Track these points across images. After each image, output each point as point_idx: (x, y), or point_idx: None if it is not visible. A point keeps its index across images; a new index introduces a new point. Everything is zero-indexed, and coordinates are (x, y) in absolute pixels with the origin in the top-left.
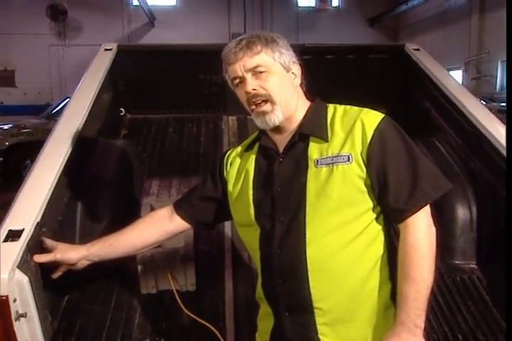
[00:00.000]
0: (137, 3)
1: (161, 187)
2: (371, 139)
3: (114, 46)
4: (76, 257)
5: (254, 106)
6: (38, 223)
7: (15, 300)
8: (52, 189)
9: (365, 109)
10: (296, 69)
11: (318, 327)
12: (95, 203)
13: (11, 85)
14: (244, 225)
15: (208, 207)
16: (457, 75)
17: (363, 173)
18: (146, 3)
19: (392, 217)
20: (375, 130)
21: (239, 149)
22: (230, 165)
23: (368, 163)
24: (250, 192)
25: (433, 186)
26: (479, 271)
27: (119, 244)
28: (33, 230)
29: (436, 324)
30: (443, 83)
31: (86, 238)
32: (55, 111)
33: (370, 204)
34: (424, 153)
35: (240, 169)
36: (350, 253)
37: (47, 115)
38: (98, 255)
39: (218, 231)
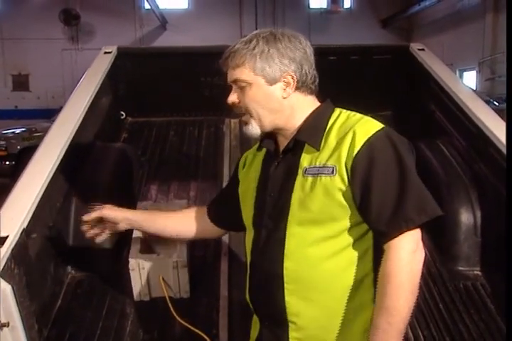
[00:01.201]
0: (149, 7)
1: (159, 191)
2: (358, 151)
3: (113, 49)
4: (121, 216)
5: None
6: (24, 229)
7: None
8: (41, 194)
9: (365, 118)
10: (290, 77)
11: None
12: (89, 208)
13: (25, 89)
14: (247, 228)
15: (230, 210)
16: (471, 76)
17: (345, 187)
18: (158, 7)
19: (376, 238)
20: (366, 142)
21: (252, 151)
22: (244, 166)
23: (352, 177)
24: (253, 194)
25: (418, 210)
26: (483, 278)
27: (162, 223)
28: (18, 237)
29: (438, 334)
30: (448, 84)
31: (79, 245)
32: None
33: (355, 219)
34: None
35: (249, 170)
36: (330, 268)
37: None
38: (140, 224)
39: None
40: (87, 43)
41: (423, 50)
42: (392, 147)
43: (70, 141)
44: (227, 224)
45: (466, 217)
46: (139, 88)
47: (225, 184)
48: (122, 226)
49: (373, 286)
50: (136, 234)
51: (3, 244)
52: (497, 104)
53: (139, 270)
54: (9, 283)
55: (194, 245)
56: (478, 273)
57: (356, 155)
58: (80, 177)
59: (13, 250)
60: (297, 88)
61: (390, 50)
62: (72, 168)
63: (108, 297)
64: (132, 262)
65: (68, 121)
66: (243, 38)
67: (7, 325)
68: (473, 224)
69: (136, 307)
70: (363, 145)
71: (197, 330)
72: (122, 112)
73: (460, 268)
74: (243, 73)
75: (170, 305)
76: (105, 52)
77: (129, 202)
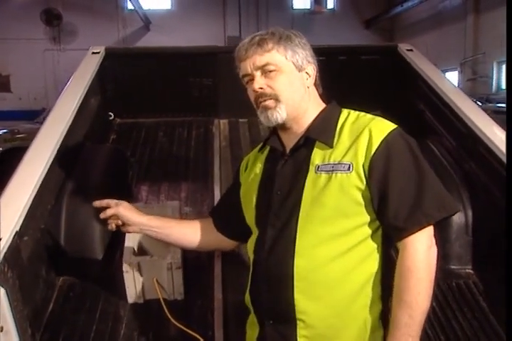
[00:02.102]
0: (132, 8)
1: (150, 192)
2: (376, 150)
3: (101, 49)
4: (136, 220)
5: (259, 103)
6: (17, 232)
7: None
8: (33, 196)
9: (378, 118)
10: (311, 69)
11: (299, 339)
12: (81, 210)
13: (6, 90)
14: (251, 228)
15: (238, 217)
16: (453, 76)
17: (363, 185)
18: (141, 7)
19: (390, 235)
20: (383, 141)
21: (254, 152)
22: (246, 169)
23: (370, 175)
24: (255, 194)
25: (438, 207)
26: (475, 276)
27: (175, 232)
28: (11, 240)
29: (432, 332)
30: (437, 84)
31: (71, 246)
32: None
33: (366, 218)
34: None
35: (251, 171)
36: (340, 267)
37: (42, 120)
38: (154, 231)
39: None
40: (70, 44)
41: (411, 50)
42: (407, 146)
43: (60, 142)
44: (238, 234)
45: (458, 216)
46: (127, 89)
47: (216, 185)
48: (132, 229)
49: (381, 284)
50: (128, 235)
51: None
52: (480, 103)
53: (133, 272)
54: (3, 287)
55: None
56: (470, 271)
57: (374, 153)
58: (71, 178)
59: (6, 253)
60: (314, 83)
61: (378, 50)
62: (63, 169)
63: (101, 300)
64: (126, 264)
65: (58, 122)
66: (259, 32)
67: (1, 329)
68: (464, 223)
69: (130, 309)
70: (380, 144)
71: (192, 332)
72: (111, 113)
73: (452, 266)
74: (275, 58)
75: (164, 307)
76: (93, 53)
77: None
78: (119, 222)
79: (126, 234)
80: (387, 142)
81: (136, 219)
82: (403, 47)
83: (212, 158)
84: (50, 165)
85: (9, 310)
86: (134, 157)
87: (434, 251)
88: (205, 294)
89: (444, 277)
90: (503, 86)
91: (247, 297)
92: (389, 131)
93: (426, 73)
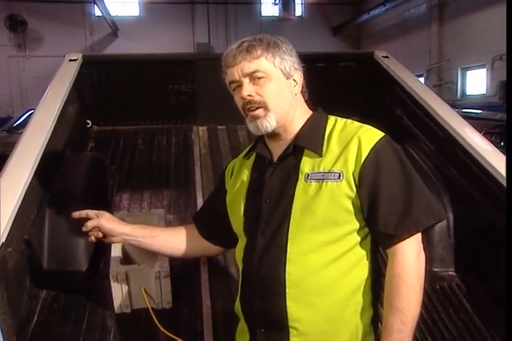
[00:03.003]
0: (100, 14)
1: (132, 200)
2: (366, 158)
3: (79, 56)
4: (119, 231)
5: (248, 112)
6: (3, 243)
7: None
8: (18, 206)
9: (366, 126)
10: (298, 76)
11: None
12: (64, 219)
13: None
14: (239, 236)
15: (223, 224)
16: None
17: (353, 193)
18: (109, 14)
19: (380, 242)
20: (372, 149)
21: (239, 159)
22: (231, 175)
23: (360, 183)
24: (242, 202)
25: (426, 214)
26: (458, 278)
27: (160, 240)
28: None
29: (420, 334)
30: (414, 89)
31: (55, 257)
32: (16, 124)
33: (356, 225)
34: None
35: (237, 178)
36: (331, 273)
37: (8, 128)
38: (138, 240)
39: None
40: (35, 50)
41: (387, 57)
42: (395, 154)
43: (42, 151)
44: (224, 241)
45: None
46: (104, 96)
47: (198, 192)
48: (116, 239)
49: (372, 290)
50: (114, 244)
51: None
52: None
53: (120, 281)
54: None
55: None
56: (453, 273)
57: (364, 162)
58: (53, 188)
59: None
60: (301, 90)
61: (355, 57)
62: (45, 178)
63: (87, 311)
64: (113, 274)
65: (39, 131)
66: (247, 38)
67: None
68: (446, 226)
69: (118, 319)
70: (370, 152)
71: None
72: (88, 121)
73: (435, 269)
74: (263, 65)
75: (153, 316)
76: (70, 60)
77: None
78: (100, 234)
79: (112, 243)
80: (376, 150)
81: (120, 230)
82: (379, 54)
83: (193, 165)
84: (34, 175)
85: None
86: (113, 165)
87: (422, 256)
88: (193, 302)
89: (428, 280)
90: (468, 92)
91: (237, 305)
92: (377, 139)
93: (402, 79)
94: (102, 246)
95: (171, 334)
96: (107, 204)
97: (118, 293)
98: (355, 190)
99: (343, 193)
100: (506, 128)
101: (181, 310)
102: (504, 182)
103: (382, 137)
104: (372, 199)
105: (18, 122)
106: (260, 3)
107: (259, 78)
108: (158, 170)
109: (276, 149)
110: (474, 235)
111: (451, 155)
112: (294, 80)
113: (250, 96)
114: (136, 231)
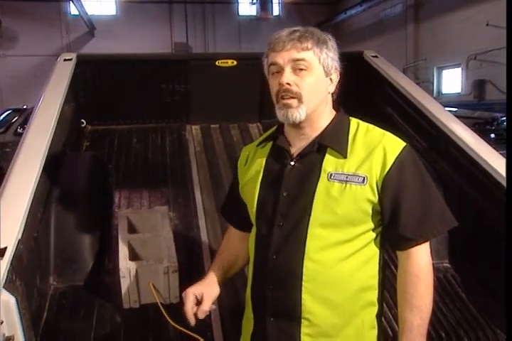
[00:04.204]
0: (76, 13)
1: (132, 198)
2: (391, 167)
3: (73, 56)
4: (219, 288)
5: (281, 99)
6: (19, 240)
7: (2, 322)
8: (29, 204)
9: (388, 134)
10: (336, 76)
11: (302, 337)
12: (69, 217)
13: None
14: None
15: (246, 213)
16: None
17: (375, 198)
18: (86, 13)
19: (394, 244)
20: (396, 159)
21: (253, 147)
22: (245, 163)
23: (383, 190)
24: (256, 191)
25: (441, 222)
26: (453, 270)
27: (232, 263)
28: (15, 248)
29: None
30: (404, 87)
31: (60, 254)
32: None
33: (370, 225)
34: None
35: (250, 167)
36: (345, 269)
37: None
38: (228, 276)
39: (195, 240)
40: (10, 50)
41: (376, 56)
42: (416, 163)
43: (46, 151)
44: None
45: None
46: (98, 96)
47: (196, 189)
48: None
49: (379, 287)
50: (121, 240)
51: (3, 255)
52: None
53: (130, 277)
54: (13, 295)
55: (178, 251)
56: (448, 265)
57: (389, 171)
58: (57, 187)
59: (12, 261)
60: (333, 90)
61: (344, 56)
62: (49, 178)
63: (95, 306)
64: (123, 269)
65: (42, 132)
66: (297, 28)
67: (12, 338)
68: None
69: (127, 314)
70: (394, 162)
71: (192, 334)
72: (83, 120)
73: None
74: (310, 58)
75: (163, 310)
76: (65, 60)
77: (104, 209)
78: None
79: (119, 240)
80: (399, 160)
81: (218, 288)
82: (368, 54)
83: (189, 163)
84: (41, 174)
85: (19, 319)
86: (110, 164)
87: (431, 258)
88: None
89: None
90: (444, 90)
91: (248, 293)
92: (401, 148)
93: (393, 78)
94: (106, 243)
95: (182, 328)
96: (109, 202)
97: (126, 288)
98: (377, 196)
99: (365, 197)
100: (506, 128)
101: None
102: (496, 177)
103: (405, 147)
104: (394, 206)
105: None
106: (238, 3)
107: (301, 69)
108: (155, 169)
109: (298, 142)
110: (466, 228)
111: (443, 151)
112: (331, 79)
113: (288, 84)
114: (221, 276)
